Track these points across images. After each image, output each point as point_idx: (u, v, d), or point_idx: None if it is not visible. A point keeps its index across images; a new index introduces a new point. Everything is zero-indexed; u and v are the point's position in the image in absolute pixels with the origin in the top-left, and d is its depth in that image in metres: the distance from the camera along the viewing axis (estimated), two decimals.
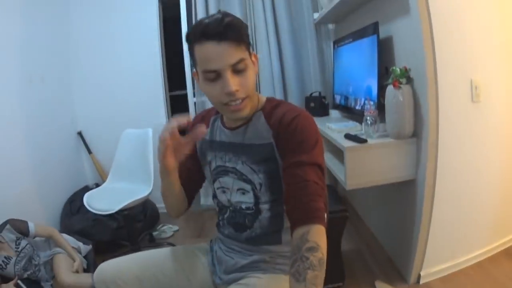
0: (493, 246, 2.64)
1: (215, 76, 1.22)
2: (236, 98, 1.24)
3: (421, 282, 2.47)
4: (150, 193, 3.05)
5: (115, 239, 3.37)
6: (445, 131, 2.21)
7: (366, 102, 2.48)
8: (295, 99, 3.85)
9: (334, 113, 3.47)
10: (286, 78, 3.86)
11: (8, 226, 2.41)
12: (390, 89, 2.23)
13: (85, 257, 2.74)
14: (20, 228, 2.45)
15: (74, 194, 3.71)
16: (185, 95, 4.06)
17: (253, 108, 1.37)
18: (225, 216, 1.53)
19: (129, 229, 3.22)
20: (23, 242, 2.43)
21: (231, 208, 1.49)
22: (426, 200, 2.29)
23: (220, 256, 1.57)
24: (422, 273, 2.46)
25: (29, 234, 2.49)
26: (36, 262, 2.46)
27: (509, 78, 2.37)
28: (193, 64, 1.29)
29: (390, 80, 2.22)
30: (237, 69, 1.22)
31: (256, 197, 1.41)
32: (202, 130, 1.22)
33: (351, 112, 3.01)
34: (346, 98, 3.12)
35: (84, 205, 2.94)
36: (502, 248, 2.68)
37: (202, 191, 3.86)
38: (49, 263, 2.51)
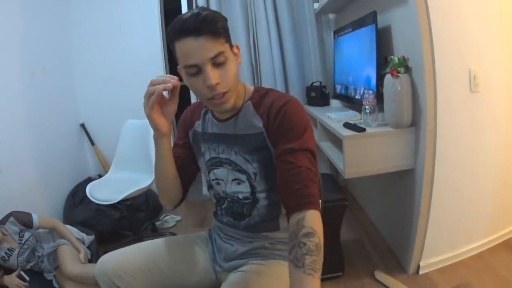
0: (493, 237, 2.63)
1: (196, 70, 1.22)
2: (218, 92, 1.24)
3: (420, 272, 2.47)
4: (152, 183, 3.06)
5: (117, 229, 3.39)
6: (444, 120, 2.20)
7: (365, 91, 2.48)
8: (296, 89, 3.86)
9: (335, 103, 3.47)
10: (287, 68, 3.86)
11: (11, 218, 2.43)
12: (388, 78, 2.22)
13: (88, 247, 2.75)
14: (24, 220, 2.47)
15: (77, 186, 3.74)
16: (187, 86, 4.00)
17: (239, 99, 1.38)
18: (223, 206, 1.54)
19: (132, 219, 3.23)
20: (27, 234, 2.45)
21: (228, 199, 1.50)
22: (425, 189, 2.29)
23: (219, 244, 1.58)
24: (421, 264, 2.46)
25: (33, 226, 2.50)
26: (40, 254, 2.49)
27: (508, 67, 2.35)
28: (176, 61, 1.30)
29: (388, 69, 2.21)
30: (217, 62, 1.23)
31: (252, 187, 1.41)
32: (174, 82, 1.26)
33: (351, 102, 3.02)
34: (346, 88, 3.12)
35: (86, 196, 2.96)
36: (502, 240, 2.67)
37: (204, 181, 3.88)
38: (53, 255, 2.53)
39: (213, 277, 1.58)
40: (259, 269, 1.43)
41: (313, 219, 1.13)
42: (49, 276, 2.51)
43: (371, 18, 2.47)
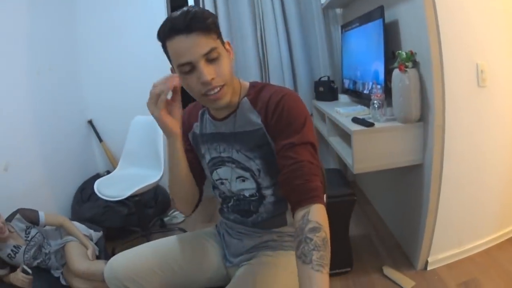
0: (500, 233, 2.61)
1: (190, 68, 1.21)
2: (214, 87, 1.23)
3: (429, 268, 2.46)
4: (160, 179, 3.07)
5: (126, 225, 3.40)
6: (452, 115, 2.19)
7: (373, 86, 2.46)
8: (304, 84, 3.85)
9: (343, 98, 3.45)
10: (295, 63, 3.85)
11: (18, 215, 2.43)
12: (396, 72, 2.21)
13: (96, 244, 2.76)
14: (30, 217, 2.47)
15: (85, 182, 3.74)
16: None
17: (235, 95, 1.37)
18: (229, 204, 1.54)
19: (140, 215, 3.24)
20: (33, 231, 2.46)
21: (234, 197, 1.50)
22: (433, 185, 2.27)
23: (228, 240, 1.59)
24: (429, 259, 2.45)
25: (39, 223, 2.50)
26: (47, 251, 2.49)
27: None
28: (169, 61, 1.29)
29: (396, 64, 2.20)
30: (210, 58, 1.21)
31: (257, 183, 1.41)
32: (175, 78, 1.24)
33: (359, 97, 3.00)
34: (355, 83, 3.10)
35: (95, 193, 2.97)
36: (509, 236, 2.65)
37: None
38: (60, 252, 2.54)
39: (223, 273, 1.58)
40: (267, 260, 1.44)
41: (318, 213, 1.13)
42: (56, 273, 2.52)
43: (379, 12, 2.45)
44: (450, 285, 2.30)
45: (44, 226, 2.57)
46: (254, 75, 3.84)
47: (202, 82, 1.20)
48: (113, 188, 3.01)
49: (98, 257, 2.67)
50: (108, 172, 3.83)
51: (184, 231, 3.38)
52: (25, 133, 3.10)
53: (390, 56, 2.42)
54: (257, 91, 1.39)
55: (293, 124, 1.26)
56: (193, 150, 1.55)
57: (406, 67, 2.16)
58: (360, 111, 2.66)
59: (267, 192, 1.42)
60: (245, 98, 1.38)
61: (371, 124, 2.27)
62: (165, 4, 3.92)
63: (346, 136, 2.60)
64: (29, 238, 2.41)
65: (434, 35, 2.09)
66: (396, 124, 2.29)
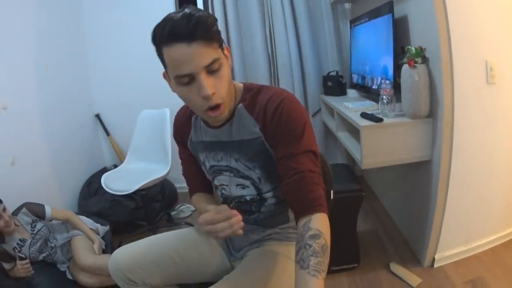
0: (506, 232, 2.59)
1: (188, 79, 1.14)
2: (212, 103, 1.17)
3: (435, 265, 2.45)
4: (167, 173, 3.07)
5: (132, 219, 3.40)
6: (461, 112, 2.17)
7: (382, 81, 2.45)
8: (312, 79, 3.84)
9: (351, 93, 3.44)
10: (303, 58, 3.82)
11: (24, 209, 2.44)
12: (405, 68, 2.19)
13: (102, 238, 2.77)
14: (36, 211, 2.48)
15: (92, 176, 3.76)
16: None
17: (231, 102, 1.29)
18: (231, 206, 1.51)
19: (147, 209, 3.25)
20: (39, 225, 2.46)
21: (235, 200, 1.49)
22: (441, 182, 2.26)
23: None
24: (436, 257, 2.44)
25: (45, 217, 2.51)
26: (53, 245, 2.50)
27: None
28: (163, 66, 1.21)
29: (405, 59, 2.18)
30: (212, 70, 1.14)
31: (258, 189, 1.40)
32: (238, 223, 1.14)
33: (368, 92, 2.98)
34: (363, 78, 3.08)
35: (102, 187, 2.98)
36: None
37: None
38: (66, 246, 2.54)
39: (228, 266, 1.58)
40: (272, 249, 1.45)
41: (319, 221, 1.14)
42: (62, 268, 2.52)
43: (388, 8, 2.43)
44: (456, 282, 2.29)
45: (51, 220, 2.58)
46: (263, 72, 3.84)
47: (203, 96, 1.14)
48: (120, 182, 3.01)
49: (104, 251, 2.68)
50: (115, 166, 3.83)
51: (191, 225, 3.38)
52: (33, 127, 3.11)
53: (399, 51, 2.39)
54: (252, 96, 1.33)
55: (293, 132, 1.22)
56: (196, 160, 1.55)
57: (416, 62, 2.14)
58: (369, 106, 2.64)
59: (268, 195, 1.42)
60: (240, 105, 1.32)
61: (380, 120, 2.26)
62: None
63: (354, 131, 2.59)
64: (34, 232, 2.41)
65: (444, 32, 2.06)
66: (405, 120, 2.27)
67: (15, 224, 2.33)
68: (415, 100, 2.19)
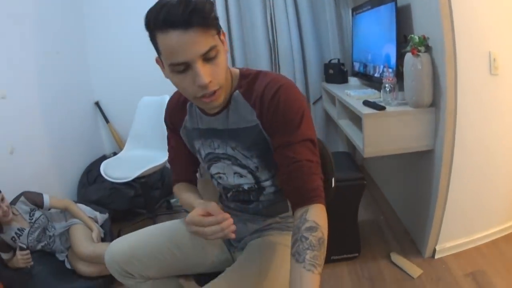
0: (507, 225, 2.58)
1: (184, 67, 1.09)
2: (209, 91, 1.13)
3: (436, 256, 2.45)
4: (167, 160, 3.04)
5: (132, 207, 3.39)
6: (464, 102, 2.14)
7: (385, 69, 2.42)
8: (313, 66, 3.80)
9: (353, 81, 3.42)
10: (305, 46, 3.79)
11: (22, 198, 2.43)
12: (408, 56, 2.16)
13: (102, 226, 2.76)
14: (35, 200, 2.46)
15: (91, 164, 3.73)
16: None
17: (227, 88, 1.25)
18: (228, 195, 1.51)
19: (146, 197, 3.24)
20: (37, 213, 2.44)
21: (233, 189, 1.46)
22: (443, 172, 2.24)
23: None
24: (437, 248, 2.44)
25: (44, 206, 2.50)
26: (51, 234, 2.48)
27: None
28: (156, 52, 1.16)
29: (408, 48, 2.15)
30: (208, 57, 1.09)
31: (256, 177, 1.37)
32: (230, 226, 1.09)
33: (370, 80, 2.96)
34: (365, 66, 3.06)
35: (101, 175, 2.95)
36: None
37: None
38: (65, 235, 2.53)
39: (228, 257, 1.57)
40: (273, 239, 1.44)
41: (316, 213, 1.11)
42: (61, 257, 2.52)
43: None
44: (457, 274, 2.28)
45: (49, 209, 2.57)
46: (264, 60, 3.80)
47: (199, 85, 1.10)
48: (119, 169, 2.99)
49: (103, 240, 2.67)
50: (115, 154, 3.81)
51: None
52: (31, 115, 3.08)
53: (402, 40, 2.36)
54: (249, 82, 1.28)
55: (291, 120, 1.19)
56: (185, 144, 1.51)
57: (419, 51, 2.10)
58: (371, 94, 2.62)
59: (266, 184, 1.39)
60: (237, 91, 1.28)
61: (383, 108, 2.23)
62: None
63: (356, 119, 2.56)
64: (33, 221, 2.40)
65: (448, 21, 2.03)
66: (407, 109, 2.25)
67: (13, 213, 2.31)
68: (418, 88, 2.16)
